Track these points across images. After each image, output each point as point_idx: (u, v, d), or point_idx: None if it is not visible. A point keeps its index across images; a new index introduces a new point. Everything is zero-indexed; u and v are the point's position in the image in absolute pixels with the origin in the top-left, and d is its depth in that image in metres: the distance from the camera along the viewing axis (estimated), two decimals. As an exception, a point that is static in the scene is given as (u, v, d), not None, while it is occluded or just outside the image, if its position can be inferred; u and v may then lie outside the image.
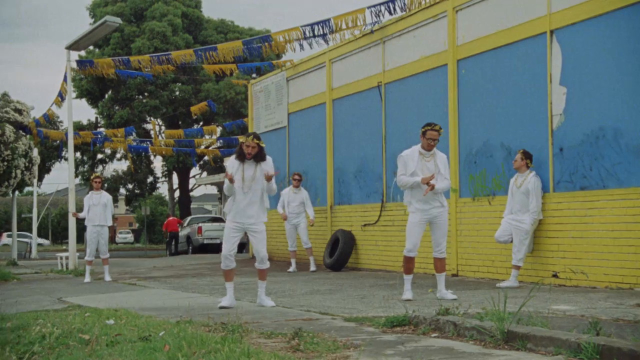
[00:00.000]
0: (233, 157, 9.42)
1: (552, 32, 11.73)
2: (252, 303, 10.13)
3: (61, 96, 22.32)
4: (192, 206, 56.50)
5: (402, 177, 9.99)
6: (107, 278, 15.96)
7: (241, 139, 9.38)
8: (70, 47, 20.97)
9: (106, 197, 16.24)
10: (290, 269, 16.75)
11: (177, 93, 45.86)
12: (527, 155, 11.75)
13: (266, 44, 16.57)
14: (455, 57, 13.95)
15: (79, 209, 17.79)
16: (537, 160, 11.92)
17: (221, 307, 9.28)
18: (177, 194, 54.27)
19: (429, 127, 9.96)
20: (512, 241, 11.74)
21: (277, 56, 39.02)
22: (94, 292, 13.18)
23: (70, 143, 20.75)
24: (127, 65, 19.58)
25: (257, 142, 9.18)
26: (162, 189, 70.23)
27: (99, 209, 15.96)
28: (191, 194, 54.75)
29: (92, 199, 16.05)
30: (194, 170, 52.49)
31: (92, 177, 16.61)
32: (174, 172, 51.30)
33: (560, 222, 11.47)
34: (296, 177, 16.79)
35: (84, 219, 16.15)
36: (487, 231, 13.00)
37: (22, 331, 7.25)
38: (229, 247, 9.51)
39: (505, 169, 12.48)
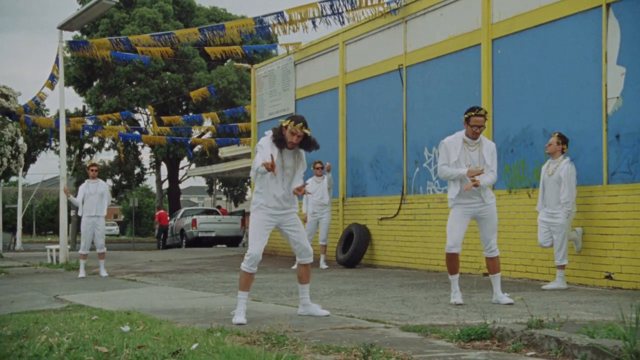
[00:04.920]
0: (268, 138, 7.67)
1: (608, 5, 10.54)
2: (277, 305, 8.97)
3: (52, 79, 21.00)
4: (180, 198, 55.02)
5: (444, 167, 8.83)
6: (103, 273, 14.74)
7: (285, 122, 7.61)
8: (63, 27, 19.64)
9: (103, 186, 15.00)
10: (295, 265, 15.49)
11: (167, 82, 44.43)
12: (563, 140, 10.58)
13: (280, 19, 15.25)
14: (490, 37, 12.77)
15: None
16: (588, 148, 10.79)
17: (238, 324, 7.16)
18: (164, 185, 52.85)
19: (473, 113, 8.76)
20: None
21: (271, 42, 37.80)
22: (92, 289, 11.95)
23: (62, 128, 19.45)
24: (125, 45, 18.26)
25: (306, 131, 7.57)
26: (149, 180, 68.92)
27: (96, 199, 14.72)
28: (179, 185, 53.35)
29: (88, 188, 14.80)
30: (184, 162, 51.11)
31: (88, 165, 15.37)
32: (163, 163, 49.88)
33: (616, 218, 10.32)
34: (318, 165, 15.28)
35: (77, 208, 14.87)
36: (525, 226, 11.86)
37: (24, 339, 6.03)
38: (260, 244, 7.68)
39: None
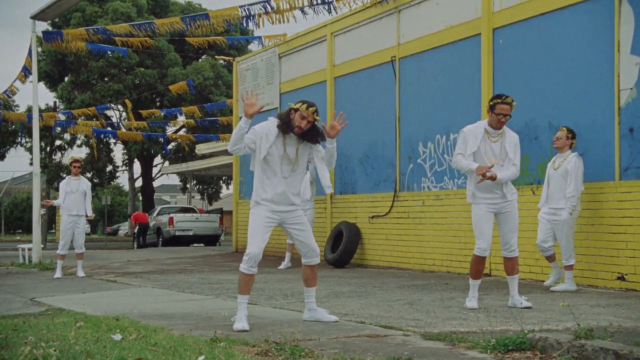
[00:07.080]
0: (267, 123, 6.95)
1: (621, -8, 10.03)
2: (276, 309, 8.29)
3: (25, 71, 20.13)
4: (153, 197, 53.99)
5: (458, 157, 8.21)
6: (80, 274, 14.02)
7: (295, 105, 6.90)
8: (36, 17, 18.84)
9: (85, 183, 14.27)
10: (282, 265, 14.93)
11: (141, 78, 43.40)
12: (572, 134, 10.02)
13: (268, 7, 14.53)
14: (491, 26, 12.20)
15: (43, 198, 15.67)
16: (599, 143, 10.25)
17: (240, 331, 6.55)
18: (137, 183, 51.84)
19: (499, 100, 8.13)
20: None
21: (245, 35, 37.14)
22: (70, 290, 11.22)
23: (35, 122, 18.64)
24: (103, 34, 17.44)
25: (315, 117, 6.86)
26: (121, 178, 67.71)
27: (77, 197, 13.99)
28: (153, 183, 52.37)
29: (69, 185, 14.07)
30: (157, 159, 50.12)
31: (70, 161, 14.64)
32: (136, 160, 48.89)
33: (629, 216, 9.78)
34: None
35: (48, 208, 14.11)
36: (529, 225, 11.26)
37: (4, 350, 5.33)
38: (260, 242, 6.90)
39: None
